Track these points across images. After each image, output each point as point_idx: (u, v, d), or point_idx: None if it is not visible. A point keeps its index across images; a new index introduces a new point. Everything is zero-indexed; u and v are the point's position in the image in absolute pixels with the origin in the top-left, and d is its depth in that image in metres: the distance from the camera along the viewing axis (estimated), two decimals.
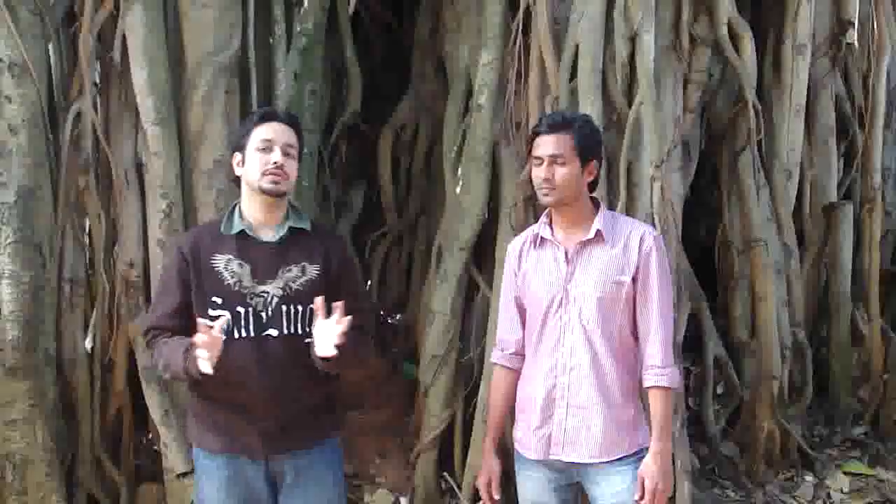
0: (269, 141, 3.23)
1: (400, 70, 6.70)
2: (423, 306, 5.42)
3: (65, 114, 4.69)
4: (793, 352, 5.86)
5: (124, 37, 4.59)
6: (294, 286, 3.24)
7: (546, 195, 3.26)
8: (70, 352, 4.76)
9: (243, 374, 3.15)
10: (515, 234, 4.64)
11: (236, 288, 3.21)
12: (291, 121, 3.36)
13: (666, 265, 3.37)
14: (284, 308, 3.22)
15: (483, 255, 5.22)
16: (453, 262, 5.08)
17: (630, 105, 4.71)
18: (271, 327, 3.20)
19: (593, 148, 3.37)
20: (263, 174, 3.21)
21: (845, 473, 5.66)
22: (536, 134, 3.32)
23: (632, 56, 4.74)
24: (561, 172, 3.25)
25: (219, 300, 3.19)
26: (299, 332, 3.24)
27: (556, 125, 3.29)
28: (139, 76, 4.56)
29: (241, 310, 3.19)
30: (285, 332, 3.21)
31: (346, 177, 6.54)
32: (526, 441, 3.38)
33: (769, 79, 6.00)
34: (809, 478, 5.64)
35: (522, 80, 4.90)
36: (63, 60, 4.89)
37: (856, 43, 6.51)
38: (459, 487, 5.09)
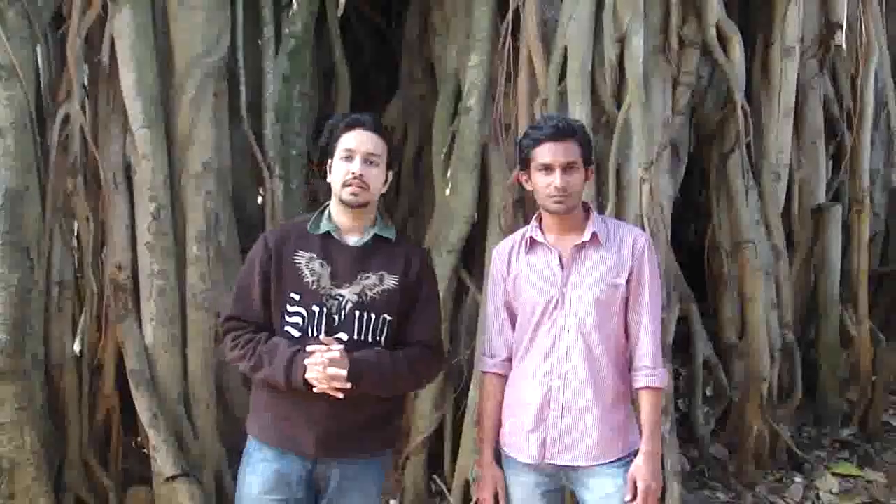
0: (350, 150, 3.24)
1: (389, 72, 6.70)
2: None
3: (53, 116, 4.68)
4: (782, 353, 5.86)
5: (112, 39, 4.59)
6: (370, 294, 3.24)
7: (560, 202, 3.25)
8: (58, 355, 4.74)
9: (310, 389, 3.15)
10: (505, 236, 4.67)
11: (314, 287, 3.22)
12: (378, 128, 3.34)
13: (657, 266, 3.39)
14: (357, 314, 3.22)
15: (472, 257, 5.22)
16: (442, 264, 5.07)
17: (619, 107, 4.72)
18: (342, 331, 3.20)
19: (591, 154, 3.40)
20: (344, 185, 3.23)
21: (834, 474, 5.67)
22: (536, 141, 3.31)
23: (621, 58, 4.74)
24: (576, 180, 3.27)
25: (296, 296, 3.22)
26: (369, 339, 3.24)
27: (564, 132, 3.29)
28: (127, 79, 4.55)
29: (315, 309, 3.21)
30: (355, 337, 3.21)
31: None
32: (518, 444, 3.37)
33: (758, 81, 6.02)
34: (798, 479, 5.65)
35: (511, 82, 4.90)
36: (51, 63, 4.87)
37: (844, 45, 6.53)
38: (449, 490, 5.08)
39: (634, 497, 3.22)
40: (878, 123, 6.89)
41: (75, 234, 4.97)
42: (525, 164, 3.37)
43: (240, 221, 4.90)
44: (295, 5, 5.22)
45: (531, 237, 3.38)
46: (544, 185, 3.27)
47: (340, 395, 3.09)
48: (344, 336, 3.19)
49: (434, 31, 5.70)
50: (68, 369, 4.77)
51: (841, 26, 6.30)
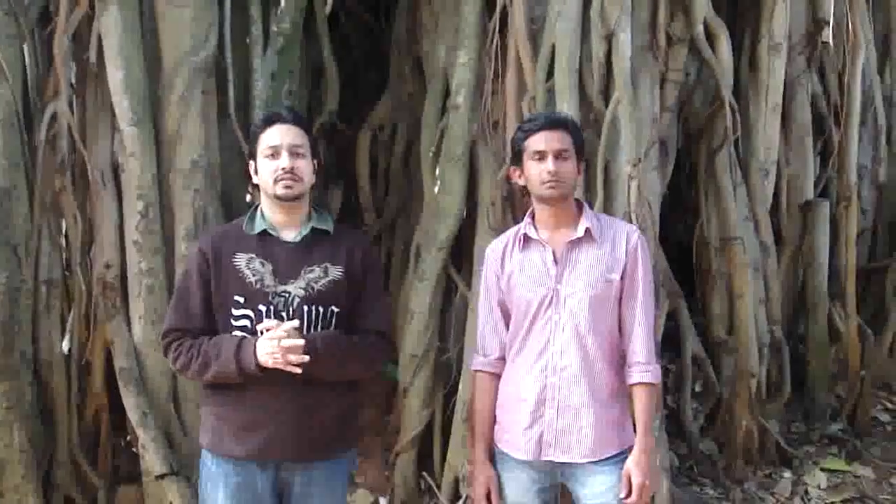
0: (274, 147, 3.22)
1: (378, 70, 6.69)
2: (402, 306, 5.41)
3: (40, 114, 4.68)
4: (770, 349, 5.88)
5: (100, 37, 4.57)
6: (317, 287, 3.23)
7: (553, 188, 3.27)
8: (47, 353, 4.75)
9: (265, 373, 3.13)
10: (494, 234, 4.67)
11: (258, 286, 3.20)
12: (296, 120, 3.32)
13: (649, 262, 3.42)
14: (306, 308, 3.21)
15: (461, 254, 5.22)
16: (431, 261, 5.08)
17: (607, 104, 4.71)
18: None
19: (582, 148, 3.42)
20: (275, 181, 3.21)
21: (823, 470, 5.69)
22: (528, 132, 3.33)
23: (608, 55, 4.74)
24: (567, 167, 3.29)
25: (241, 299, 3.19)
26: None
27: (556, 122, 3.35)
28: (115, 77, 4.54)
29: (262, 308, 3.19)
30: (306, 332, 3.19)
31: (324, 176, 6.53)
32: (514, 441, 3.38)
33: (745, 78, 6.02)
34: (787, 474, 5.67)
35: (499, 79, 4.90)
36: (38, 61, 4.87)
37: (831, 42, 6.54)
38: (439, 487, 5.08)
39: (629, 493, 3.23)
40: (865, 120, 6.90)
41: (63, 232, 4.96)
42: (518, 157, 3.39)
43: (228, 219, 4.88)
44: (283, 3, 5.20)
45: (525, 234, 3.40)
46: (537, 172, 3.29)
47: (298, 371, 3.06)
48: None
49: (422, 29, 5.69)
50: (57, 368, 4.77)
51: (828, 23, 6.31)
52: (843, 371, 6.50)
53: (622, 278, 3.32)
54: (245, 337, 3.15)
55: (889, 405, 6.62)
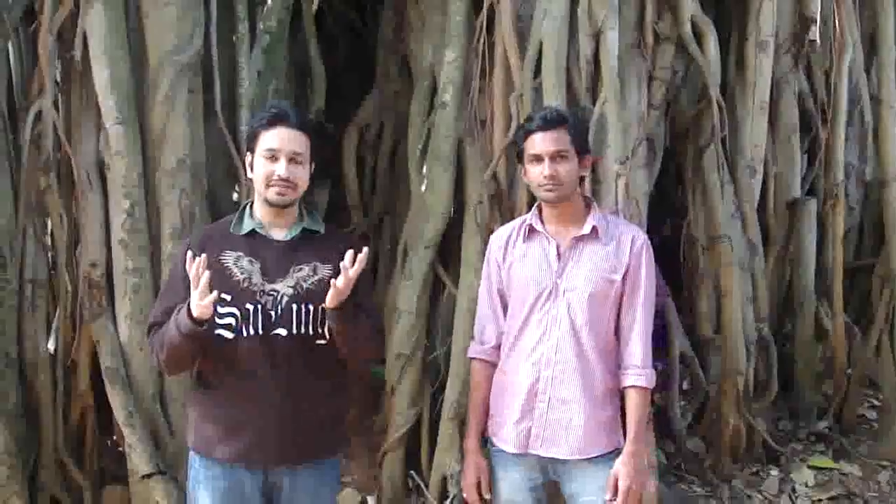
0: (273, 150, 3.17)
1: (364, 69, 6.67)
2: (389, 305, 5.40)
3: (25, 113, 4.65)
4: (757, 347, 5.88)
5: (85, 35, 4.55)
6: (305, 285, 3.20)
7: (551, 191, 3.28)
8: (32, 353, 4.73)
9: (251, 374, 3.13)
10: (481, 232, 4.66)
11: (245, 285, 3.18)
12: (301, 123, 3.25)
13: (653, 267, 3.41)
14: (295, 307, 3.18)
15: (448, 253, 5.21)
16: (419, 260, 5.06)
17: (594, 102, 4.71)
18: (280, 326, 3.17)
19: (586, 143, 3.44)
20: (268, 185, 3.17)
21: (810, 467, 5.70)
22: (527, 132, 3.32)
23: (596, 53, 4.73)
24: (565, 168, 3.28)
25: (228, 297, 3.15)
26: (310, 332, 3.20)
27: (553, 121, 3.32)
28: (100, 75, 4.52)
29: (249, 307, 3.16)
30: (294, 331, 3.17)
31: (311, 176, 6.52)
32: (505, 435, 3.38)
33: (733, 76, 6.03)
34: (775, 472, 5.68)
35: (487, 77, 4.89)
36: (22, 59, 4.86)
37: (818, 40, 6.54)
38: (427, 486, 5.08)
39: (614, 496, 3.22)
40: (852, 118, 6.91)
41: (49, 231, 4.94)
42: (520, 157, 3.39)
43: (215, 218, 4.87)
44: (269, 1, 5.19)
45: (530, 225, 3.39)
46: (536, 174, 3.29)
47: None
48: (283, 331, 3.16)
49: (409, 28, 5.69)
50: (42, 368, 4.75)
51: (815, 21, 6.31)
52: (829, 369, 6.51)
53: (623, 280, 3.31)
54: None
55: (875, 403, 6.64)
